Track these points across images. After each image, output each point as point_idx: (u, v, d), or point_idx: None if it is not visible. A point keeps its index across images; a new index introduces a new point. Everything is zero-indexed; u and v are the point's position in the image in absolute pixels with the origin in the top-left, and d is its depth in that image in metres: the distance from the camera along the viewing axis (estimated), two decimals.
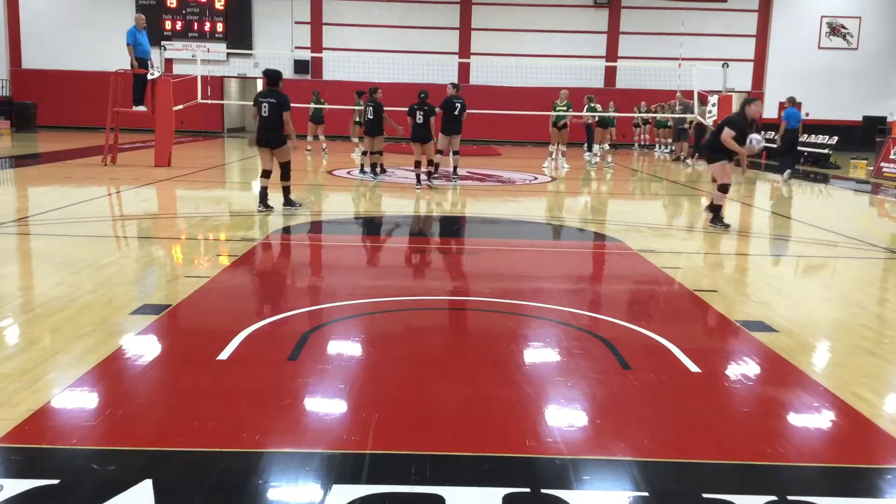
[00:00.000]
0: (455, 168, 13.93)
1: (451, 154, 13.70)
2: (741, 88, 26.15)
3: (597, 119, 19.62)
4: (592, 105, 19.28)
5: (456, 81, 14.71)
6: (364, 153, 14.27)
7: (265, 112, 9.10)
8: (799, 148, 19.49)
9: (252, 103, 9.45)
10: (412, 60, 24.79)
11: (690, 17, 26.51)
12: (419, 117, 12.14)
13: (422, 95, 12.30)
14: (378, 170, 14.04)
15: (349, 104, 19.17)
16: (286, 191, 9.41)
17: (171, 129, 15.50)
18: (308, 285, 6.23)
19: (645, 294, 6.15)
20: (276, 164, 9.34)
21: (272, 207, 9.28)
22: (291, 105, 9.26)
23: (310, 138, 19.73)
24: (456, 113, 13.18)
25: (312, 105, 19.44)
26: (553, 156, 17.55)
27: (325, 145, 19.78)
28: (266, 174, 9.36)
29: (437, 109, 12.60)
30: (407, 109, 12.56)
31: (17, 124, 24.08)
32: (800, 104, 21.81)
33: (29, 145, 20.05)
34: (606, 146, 18.92)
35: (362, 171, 14.43)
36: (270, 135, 9.20)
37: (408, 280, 6.59)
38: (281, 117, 9.07)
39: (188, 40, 26.60)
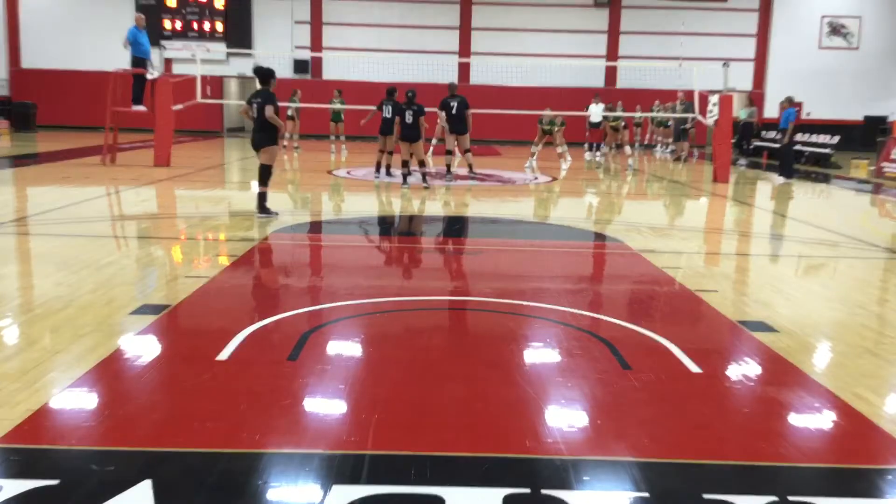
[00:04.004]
0: (471, 166, 14.06)
1: (464, 153, 13.94)
2: (741, 88, 26.14)
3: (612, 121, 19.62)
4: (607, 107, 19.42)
5: (452, 81, 14.88)
6: (381, 152, 14.12)
7: (254, 113, 8.74)
8: (799, 148, 19.49)
9: (246, 102, 9.13)
10: (412, 60, 24.76)
11: (690, 17, 26.47)
12: (408, 117, 12.18)
13: (409, 95, 12.37)
14: (390, 170, 14.01)
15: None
16: (261, 197, 8.88)
17: (171, 128, 15.48)
18: (308, 285, 6.23)
19: (645, 294, 6.14)
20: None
21: (276, 213, 9.03)
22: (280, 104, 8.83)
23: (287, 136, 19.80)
24: (454, 112, 13.50)
25: (293, 104, 19.50)
26: (535, 156, 17.68)
27: (296, 144, 19.92)
28: None
29: (427, 110, 12.76)
30: (378, 107, 13.16)
31: (16, 124, 24.03)
32: (798, 104, 21.83)
33: (28, 145, 20.04)
34: (628, 148, 18.93)
35: (378, 171, 14.15)
36: (257, 135, 8.84)
37: (408, 280, 6.58)
38: (266, 115, 8.60)
39: (188, 40, 26.57)
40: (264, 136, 8.80)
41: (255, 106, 8.75)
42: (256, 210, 8.90)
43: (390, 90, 13.91)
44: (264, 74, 8.87)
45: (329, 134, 20.18)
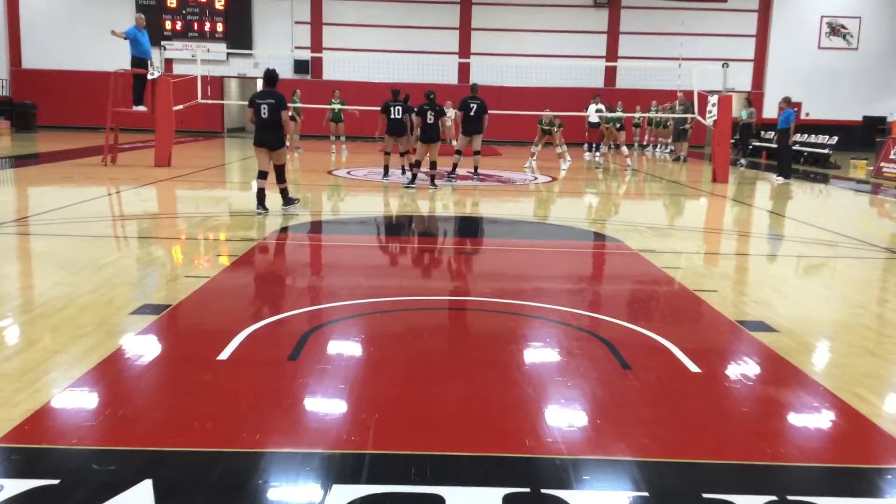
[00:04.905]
0: (476, 168, 14.05)
1: (473, 154, 13.98)
2: (741, 88, 26.15)
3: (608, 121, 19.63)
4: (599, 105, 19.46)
5: (475, 83, 14.94)
6: (387, 153, 13.76)
7: (264, 113, 9.01)
8: (798, 148, 19.50)
9: (247, 104, 9.30)
10: (412, 60, 24.76)
11: (690, 17, 26.49)
12: (430, 118, 12.08)
13: (430, 96, 12.27)
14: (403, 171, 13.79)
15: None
16: (284, 192, 9.41)
17: (171, 129, 15.49)
18: (308, 285, 6.23)
19: (645, 294, 6.14)
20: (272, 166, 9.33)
21: (269, 210, 9.18)
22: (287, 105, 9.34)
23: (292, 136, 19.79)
24: (472, 114, 13.52)
25: (293, 106, 19.54)
26: (535, 156, 17.71)
27: (297, 144, 19.96)
28: (263, 175, 9.23)
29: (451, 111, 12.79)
30: (384, 109, 13.04)
31: (16, 124, 24.05)
32: (796, 104, 21.78)
33: (29, 145, 20.04)
34: (625, 149, 18.93)
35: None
36: (270, 135, 9.13)
37: (408, 280, 6.58)
38: (280, 117, 9.08)
39: (188, 40, 26.57)
40: (276, 136, 9.21)
41: (264, 107, 9.00)
42: (282, 205, 9.37)
43: (395, 91, 13.60)
44: (275, 77, 9.28)
45: (329, 134, 20.19)
